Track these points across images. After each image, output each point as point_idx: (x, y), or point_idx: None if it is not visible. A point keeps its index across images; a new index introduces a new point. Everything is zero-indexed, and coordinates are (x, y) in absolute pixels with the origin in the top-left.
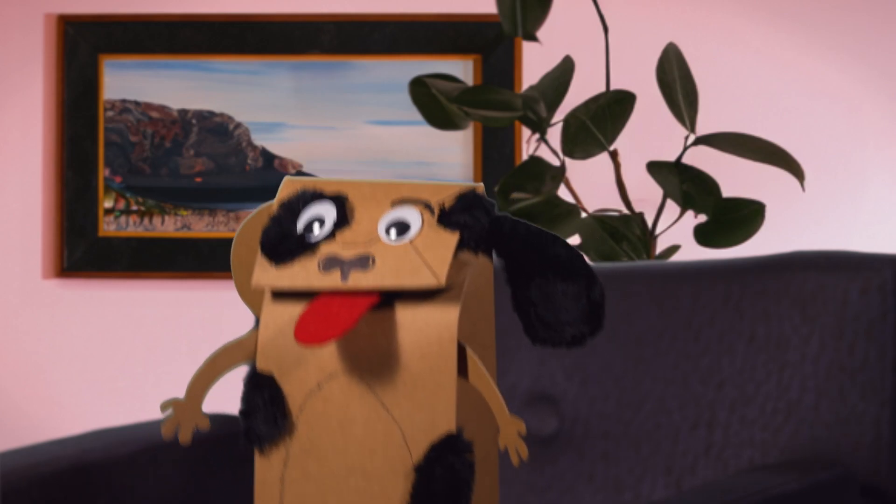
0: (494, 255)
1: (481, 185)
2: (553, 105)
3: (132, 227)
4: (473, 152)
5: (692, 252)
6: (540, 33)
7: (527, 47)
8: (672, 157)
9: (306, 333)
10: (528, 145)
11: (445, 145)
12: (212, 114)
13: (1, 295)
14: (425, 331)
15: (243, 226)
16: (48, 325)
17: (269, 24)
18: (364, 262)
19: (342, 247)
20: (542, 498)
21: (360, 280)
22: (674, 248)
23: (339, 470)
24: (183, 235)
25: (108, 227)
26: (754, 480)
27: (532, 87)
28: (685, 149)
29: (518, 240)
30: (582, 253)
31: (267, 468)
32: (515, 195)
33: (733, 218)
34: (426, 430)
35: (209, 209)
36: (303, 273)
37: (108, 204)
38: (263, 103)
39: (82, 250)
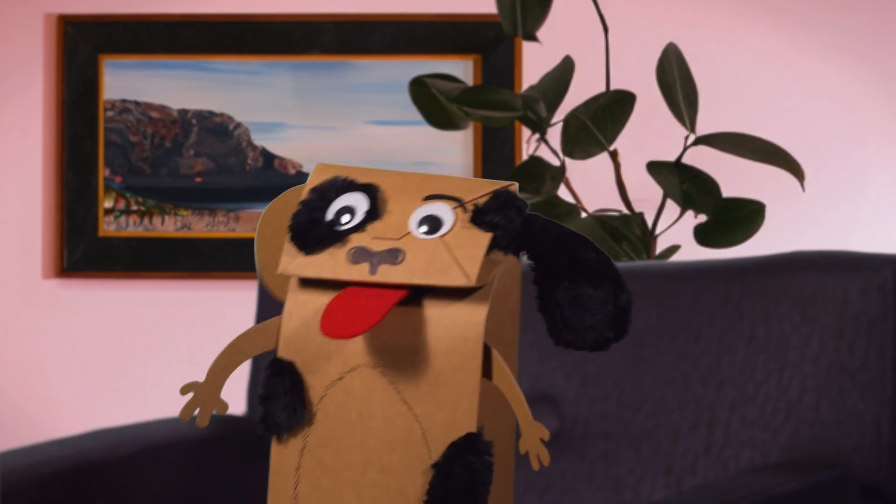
0: (523, 255)
1: (516, 183)
2: (553, 105)
3: (132, 227)
4: (473, 152)
5: (692, 252)
6: (540, 33)
7: (527, 47)
8: (672, 157)
9: (333, 326)
10: (528, 145)
11: (445, 145)
12: (212, 114)
13: (1, 295)
14: (452, 329)
15: (271, 206)
16: (48, 325)
17: (269, 24)
18: (394, 256)
19: (372, 239)
20: (542, 498)
21: (389, 274)
22: (674, 248)
23: (356, 463)
24: (183, 235)
25: (108, 227)
26: (754, 480)
27: (532, 87)
28: (685, 149)
29: (549, 241)
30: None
31: (283, 457)
32: None
33: (733, 218)
34: (447, 428)
35: (209, 209)
36: (331, 263)
37: (108, 204)
38: (263, 103)
39: (82, 250)
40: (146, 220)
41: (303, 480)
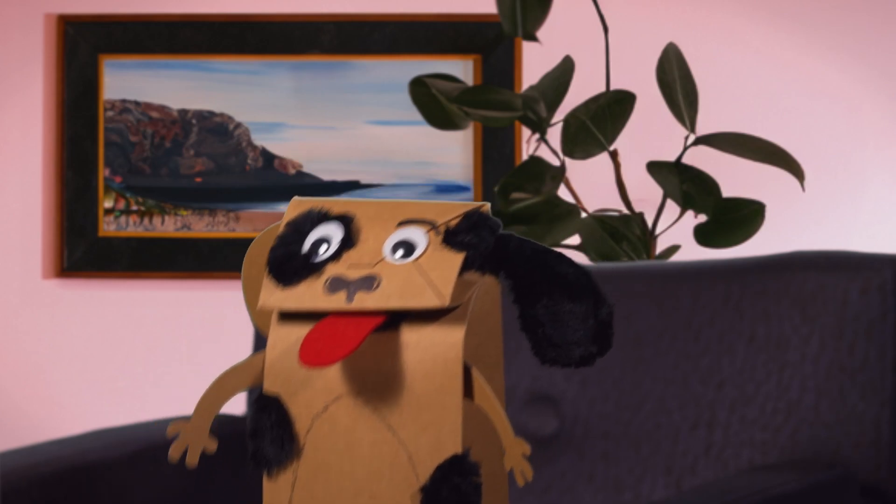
0: (501, 275)
1: (487, 204)
2: (553, 105)
3: (132, 227)
4: (473, 152)
5: (692, 252)
6: (540, 33)
7: (527, 47)
8: (672, 157)
9: (311, 355)
10: (528, 145)
11: (445, 145)
12: (212, 114)
13: (1, 295)
14: (431, 351)
15: (252, 245)
16: (48, 325)
17: (269, 24)
18: (369, 282)
19: (348, 268)
20: (542, 498)
21: (366, 301)
22: (674, 248)
23: (346, 492)
24: (183, 235)
25: (108, 227)
26: (754, 480)
27: (532, 87)
28: (685, 149)
29: (524, 259)
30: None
31: (275, 492)
32: (515, 195)
33: (733, 218)
34: (432, 451)
35: (209, 209)
36: (309, 294)
37: (108, 204)
38: (263, 103)
39: (82, 250)
40: (146, 220)
41: None
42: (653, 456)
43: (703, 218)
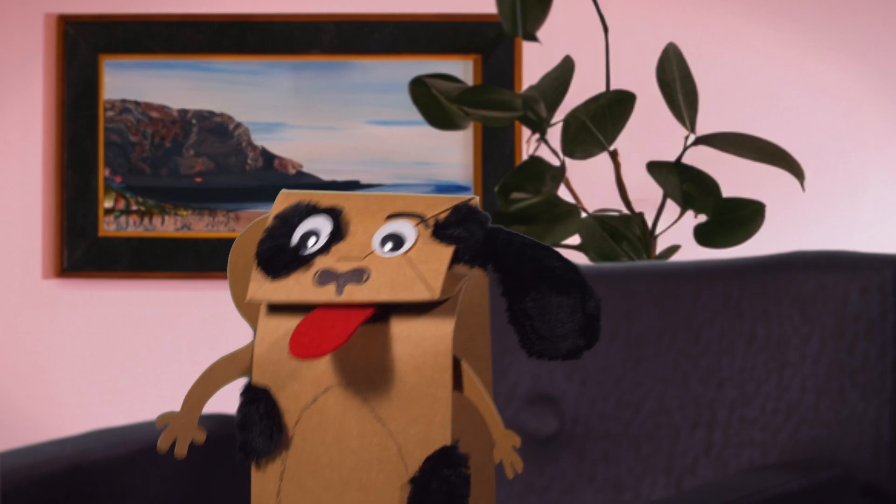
0: (490, 268)
1: (476, 197)
2: (553, 105)
3: (132, 227)
4: (473, 152)
5: (692, 252)
6: (540, 33)
7: (527, 47)
8: (672, 157)
9: (301, 347)
10: (528, 145)
11: (445, 145)
12: (212, 114)
13: (1, 295)
14: (420, 344)
15: (240, 238)
16: (48, 325)
17: (269, 24)
18: (359, 275)
19: (337, 260)
20: (542, 498)
21: (355, 294)
22: (674, 248)
23: (335, 484)
24: (183, 235)
25: (108, 227)
26: (754, 480)
27: (532, 87)
28: (685, 149)
29: (512, 252)
30: (578, 260)
31: (264, 482)
32: (515, 195)
33: (733, 218)
34: (421, 443)
35: (209, 209)
36: (297, 287)
37: (108, 204)
38: (263, 103)
39: (82, 250)
40: (146, 220)
41: None
42: (653, 456)
43: (703, 218)
